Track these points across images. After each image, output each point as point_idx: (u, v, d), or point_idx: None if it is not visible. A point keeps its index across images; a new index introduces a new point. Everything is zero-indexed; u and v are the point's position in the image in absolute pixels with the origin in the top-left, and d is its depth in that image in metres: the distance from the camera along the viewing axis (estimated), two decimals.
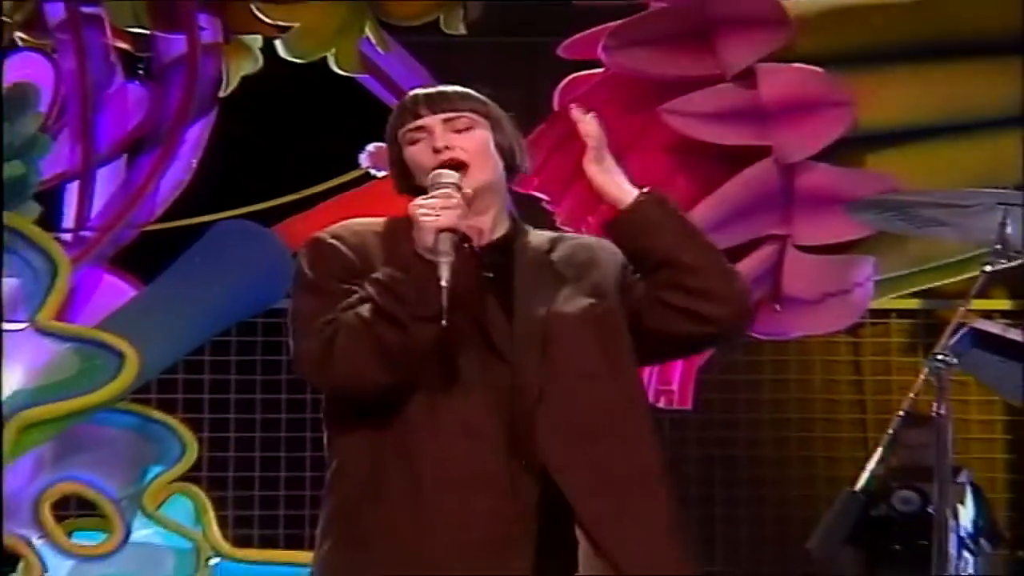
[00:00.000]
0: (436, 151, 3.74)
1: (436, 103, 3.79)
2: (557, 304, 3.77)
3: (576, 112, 3.85)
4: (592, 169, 3.83)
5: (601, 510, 3.71)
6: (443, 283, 3.57)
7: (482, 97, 3.85)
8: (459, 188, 3.69)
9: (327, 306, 3.70)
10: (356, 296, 3.68)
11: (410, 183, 3.84)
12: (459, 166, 3.72)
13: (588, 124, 3.86)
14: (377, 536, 3.70)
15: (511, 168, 3.85)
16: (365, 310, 3.64)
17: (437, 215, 3.62)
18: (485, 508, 3.67)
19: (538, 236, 3.94)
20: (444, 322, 3.60)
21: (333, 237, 3.81)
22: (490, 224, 3.82)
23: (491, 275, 3.75)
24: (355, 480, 3.77)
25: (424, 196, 3.67)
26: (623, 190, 3.84)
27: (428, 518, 3.68)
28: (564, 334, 3.75)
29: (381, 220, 3.86)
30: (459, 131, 3.78)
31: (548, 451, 3.69)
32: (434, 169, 3.74)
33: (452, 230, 3.61)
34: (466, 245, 3.72)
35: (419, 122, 3.79)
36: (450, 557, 3.65)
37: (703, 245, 3.88)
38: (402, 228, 3.73)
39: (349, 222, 3.88)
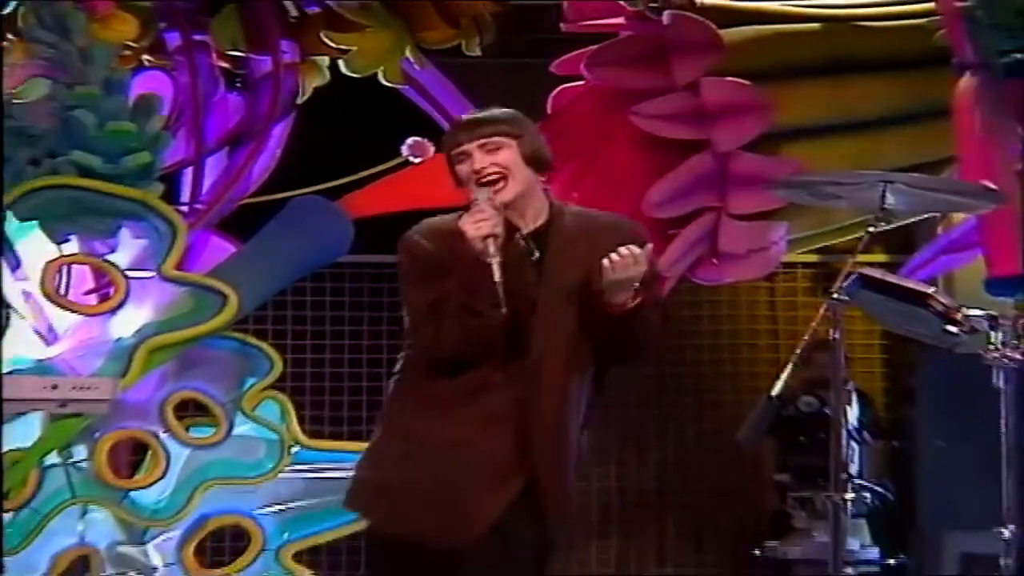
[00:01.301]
0: (476, 172, 3.75)
1: (472, 132, 3.78)
2: (567, 281, 3.74)
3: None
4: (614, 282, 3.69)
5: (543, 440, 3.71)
6: (496, 279, 3.60)
7: (509, 116, 3.82)
8: (491, 202, 3.69)
9: (425, 293, 3.74)
10: (445, 294, 3.68)
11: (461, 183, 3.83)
12: (494, 182, 3.72)
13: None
14: (405, 446, 3.77)
15: (540, 166, 3.82)
16: (454, 308, 3.66)
17: (479, 227, 3.63)
18: (482, 440, 3.70)
19: (572, 217, 3.87)
20: (504, 309, 3.61)
21: (419, 237, 3.82)
22: (532, 216, 3.79)
23: (536, 256, 3.74)
24: (400, 410, 3.83)
25: (467, 215, 3.68)
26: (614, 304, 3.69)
27: (451, 441, 3.71)
28: (561, 305, 3.73)
29: (450, 218, 3.82)
30: (491, 151, 3.77)
31: (536, 394, 3.71)
32: (476, 183, 3.76)
33: (494, 235, 3.62)
34: (516, 235, 3.72)
35: (461, 149, 3.78)
36: (452, 469, 3.69)
37: (644, 335, 3.82)
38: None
39: (427, 222, 3.87)
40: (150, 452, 5.99)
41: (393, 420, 3.85)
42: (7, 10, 6.28)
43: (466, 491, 3.69)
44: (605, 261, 3.60)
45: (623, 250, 3.60)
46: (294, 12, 6.60)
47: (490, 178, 3.72)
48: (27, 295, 6.01)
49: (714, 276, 6.62)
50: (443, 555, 3.69)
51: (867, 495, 6.52)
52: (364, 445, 6.33)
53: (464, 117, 3.95)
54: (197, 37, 6.51)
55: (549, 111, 6.35)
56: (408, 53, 6.54)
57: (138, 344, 5.90)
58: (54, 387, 4.95)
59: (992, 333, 4.44)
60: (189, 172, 6.55)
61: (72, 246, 6.08)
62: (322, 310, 7.53)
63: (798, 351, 4.28)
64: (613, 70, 6.34)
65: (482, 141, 3.74)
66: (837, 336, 4.37)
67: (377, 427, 3.89)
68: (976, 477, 5.21)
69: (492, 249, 3.61)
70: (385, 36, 6.51)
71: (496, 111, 3.85)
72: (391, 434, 3.85)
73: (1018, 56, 5.94)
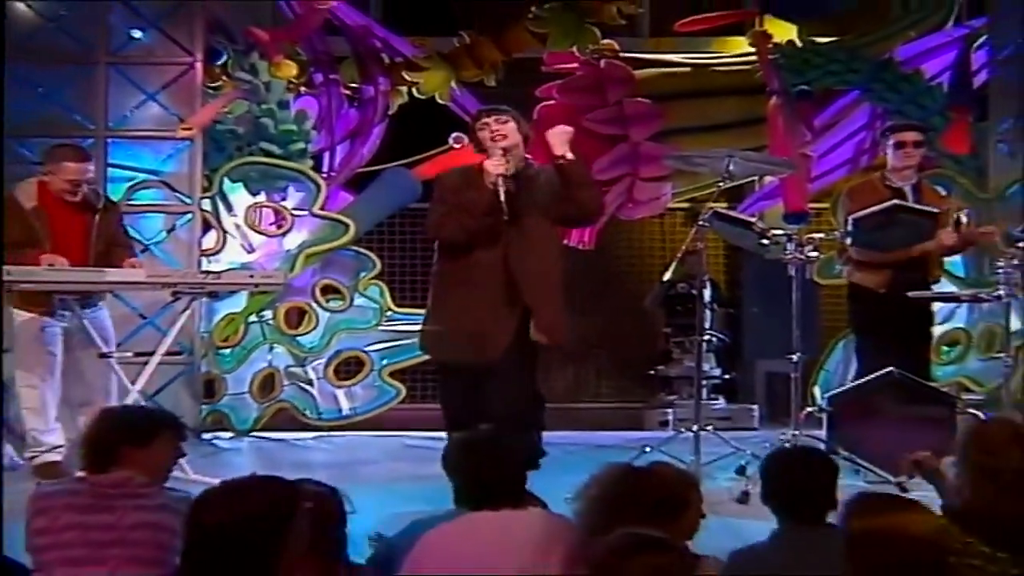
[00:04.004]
0: (493, 132, 3.73)
1: (493, 113, 3.81)
2: (531, 212, 3.75)
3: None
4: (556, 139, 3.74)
5: (533, 301, 3.72)
6: (502, 199, 3.64)
7: (511, 109, 3.89)
8: (504, 155, 3.72)
9: (440, 206, 3.76)
10: (454, 206, 3.70)
11: (480, 148, 3.83)
12: (503, 136, 3.74)
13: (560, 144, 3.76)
14: (445, 306, 3.78)
15: (524, 138, 3.85)
16: (455, 212, 3.68)
17: (497, 167, 3.67)
18: (489, 297, 3.70)
19: (533, 170, 3.88)
20: (506, 217, 3.64)
21: (446, 175, 3.86)
22: (515, 164, 3.79)
23: (511, 187, 3.75)
24: (440, 285, 3.82)
25: (489, 160, 3.69)
26: (561, 151, 3.74)
27: (471, 300, 3.72)
28: (528, 225, 3.75)
29: (466, 165, 3.86)
30: (503, 123, 3.76)
31: (517, 273, 3.70)
32: (491, 140, 3.74)
33: (504, 175, 3.66)
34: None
35: (485, 120, 3.79)
36: (474, 316, 3.70)
37: (589, 186, 3.86)
38: (474, 171, 3.75)
39: (453, 167, 3.90)
40: (307, 314, 6.00)
41: (435, 290, 3.85)
42: (221, 61, 6.22)
43: (484, 326, 3.68)
44: (548, 134, 3.71)
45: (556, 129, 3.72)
46: (387, 60, 6.54)
47: (500, 134, 3.74)
48: (237, 226, 5.98)
49: (630, 214, 6.58)
50: (478, 368, 3.71)
51: (714, 339, 6.53)
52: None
53: (488, 107, 3.99)
54: (332, 76, 6.41)
55: (535, 118, 6.30)
56: (453, 84, 6.46)
57: (299, 252, 5.88)
58: (251, 276, 4.94)
59: (788, 245, 4.43)
60: (327, 155, 6.47)
61: (261, 197, 6.04)
62: (403, 235, 7.42)
63: (678, 256, 4.28)
64: (573, 93, 6.28)
65: (496, 117, 3.79)
66: (700, 247, 4.38)
67: (429, 296, 3.89)
68: (776, 328, 5.25)
69: (501, 182, 3.66)
70: (440, 73, 6.40)
71: (504, 107, 3.93)
72: (435, 300, 3.85)
73: (803, 87, 5.99)
